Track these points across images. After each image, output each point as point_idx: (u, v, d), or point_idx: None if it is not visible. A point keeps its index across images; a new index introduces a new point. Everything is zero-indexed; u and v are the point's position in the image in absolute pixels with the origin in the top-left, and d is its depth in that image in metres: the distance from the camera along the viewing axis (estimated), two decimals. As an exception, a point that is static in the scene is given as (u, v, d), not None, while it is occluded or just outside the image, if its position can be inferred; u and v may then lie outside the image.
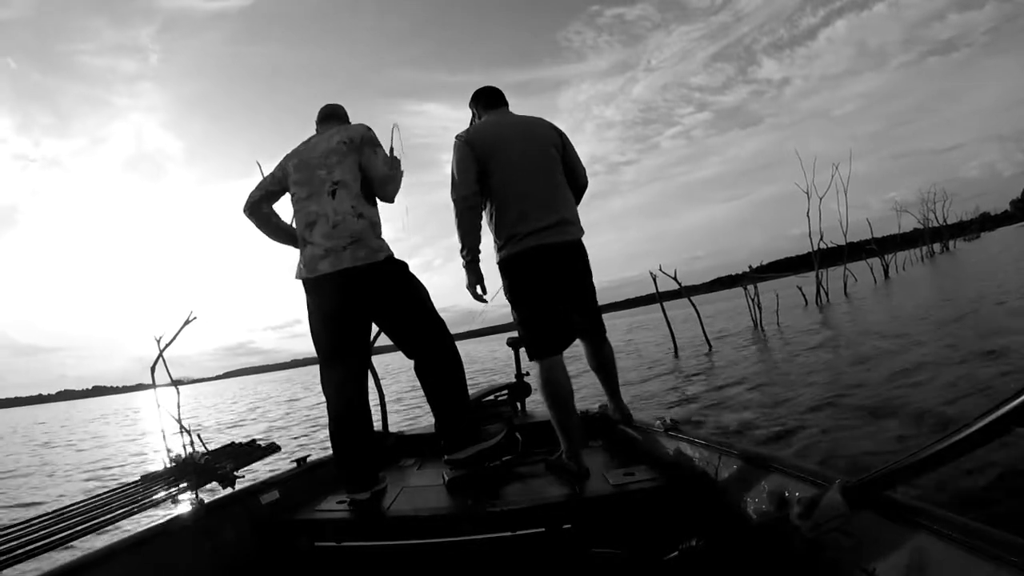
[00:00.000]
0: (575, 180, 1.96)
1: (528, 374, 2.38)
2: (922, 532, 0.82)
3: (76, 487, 5.29)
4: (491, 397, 2.62)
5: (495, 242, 1.87)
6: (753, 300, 11.29)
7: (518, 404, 2.66)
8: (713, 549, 1.15)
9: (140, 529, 1.37)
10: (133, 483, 1.64)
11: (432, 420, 1.87)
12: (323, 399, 1.81)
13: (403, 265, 1.83)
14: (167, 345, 4.23)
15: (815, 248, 15.04)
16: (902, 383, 3.89)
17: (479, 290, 1.91)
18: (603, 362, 2.01)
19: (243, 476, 1.79)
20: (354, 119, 2.01)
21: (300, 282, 1.82)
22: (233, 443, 1.93)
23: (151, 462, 6.10)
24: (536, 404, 2.26)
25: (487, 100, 2.02)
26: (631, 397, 5.44)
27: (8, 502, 5.03)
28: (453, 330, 1.88)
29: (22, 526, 1.30)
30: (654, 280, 10.51)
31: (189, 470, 1.68)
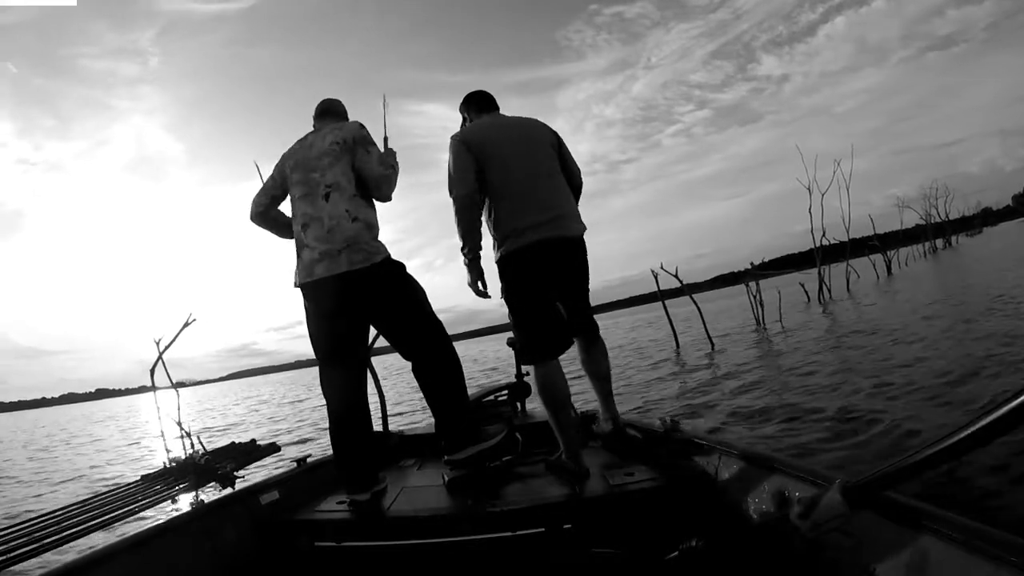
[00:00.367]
0: (571, 180, 1.96)
1: (528, 374, 2.38)
2: (922, 532, 0.82)
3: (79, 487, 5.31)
4: (491, 397, 2.61)
5: (494, 240, 1.87)
6: (755, 297, 11.27)
7: (518, 404, 2.66)
8: (713, 549, 1.15)
9: (140, 529, 1.38)
10: (133, 483, 1.65)
11: (434, 420, 1.87)
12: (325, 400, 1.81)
13: (400, 266, 1.82)
14: (166, 348, 4.23)
15: (817, 245, 15.00)
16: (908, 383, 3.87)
17: (480, 286, 1.90)
18: (596, 359, 1.99)
19: (243, 476, 1.79)
20: (354, 118, 1.99)
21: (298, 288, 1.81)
22: (233, 443, 1.94)
23: (149, 465, 6.11)
24: (536, 404, 2.26)
25: (479, 104, 2.02)
26: (632, 397, 5.44)
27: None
28: (455, 330, 1.87)
29: (22, 526, 1.31)
30: (655, 278, 10.52)
31: (189, 470, 1.69)
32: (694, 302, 10.48)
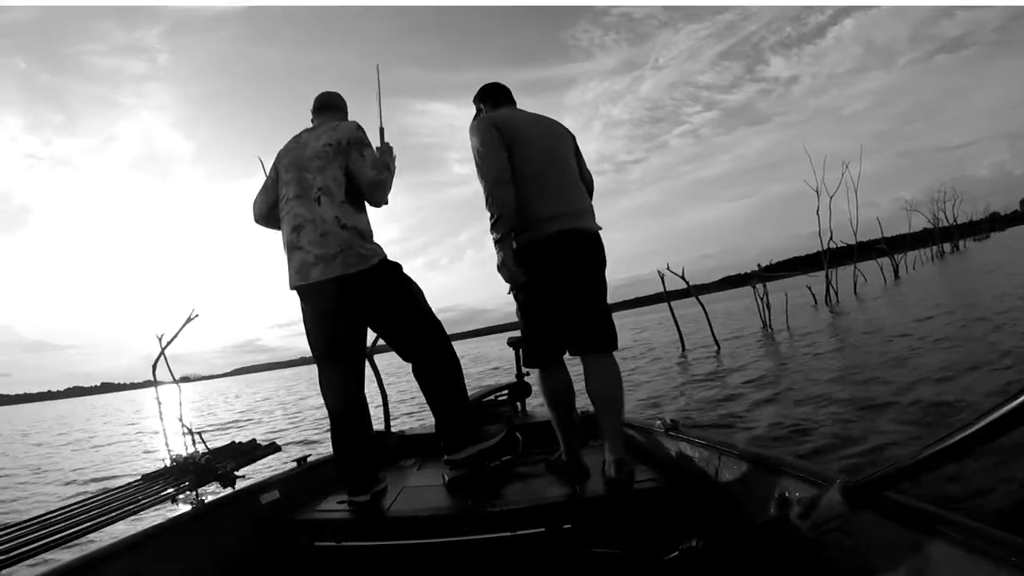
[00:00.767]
0: (584, 182, 1.93)
1: (528, 374, 2.37)
2: (922, 532, 0.81)
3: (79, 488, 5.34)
4: (491, 397, 2.61)
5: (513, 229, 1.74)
6: (762, 299, 11.21)
7: (518, 404, 2.66)
8: (713, 549, 1.14)
9: (140, 529, 1.38)
10: (133, 483, 1.65)
11: (433, 420, 1.86)
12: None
13: (397, 267, 1.80)
14: (168, 343, 4.25)
15: (825, 247, 14.90)
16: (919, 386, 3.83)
17: (514, 266, 1.67)
18: (603, 384, 1.66)
19: (244, 476, 1.80)
20: (356, 118, 1.94)
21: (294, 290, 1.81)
22: (233, 443, 1.94)
23: (150, 461, 6.13)
24: (536, 404, 2.25)
25: (495, 97, 1.95)
26: (633, 397, 5.41)
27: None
28: (457, 329, 1.85)
29: (22, 526, 1.31)
30: (662, 279, 10.49)
31: (189, 470, 1.69)
32: (700, 304, 10.44)
